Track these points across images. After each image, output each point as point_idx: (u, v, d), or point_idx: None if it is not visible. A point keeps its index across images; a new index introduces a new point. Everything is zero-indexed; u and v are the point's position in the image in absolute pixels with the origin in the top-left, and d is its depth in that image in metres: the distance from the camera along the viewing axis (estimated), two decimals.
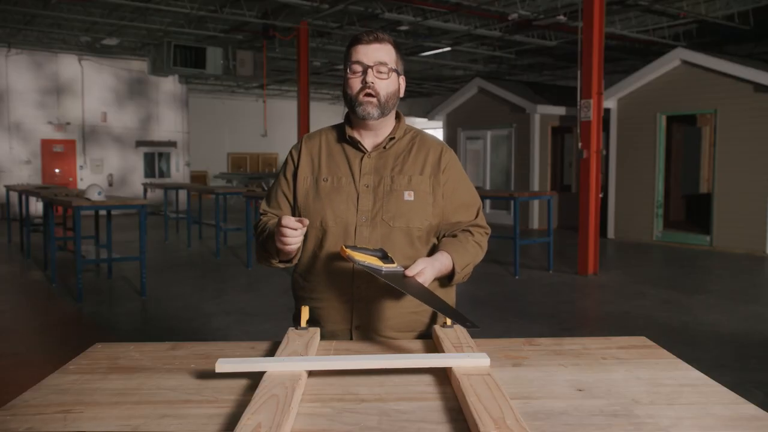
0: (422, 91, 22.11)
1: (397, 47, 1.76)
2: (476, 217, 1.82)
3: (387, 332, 1.71)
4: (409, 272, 1.55)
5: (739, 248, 9.63)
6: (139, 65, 16.61)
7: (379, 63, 1.68)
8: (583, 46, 7.73)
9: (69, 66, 15.97)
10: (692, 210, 12.32)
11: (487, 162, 14.04)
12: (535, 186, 12.87)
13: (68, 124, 16.00)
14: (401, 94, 1.79)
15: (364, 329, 1.71)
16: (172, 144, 17.63)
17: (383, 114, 1.71)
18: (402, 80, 1.78)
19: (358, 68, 1.69)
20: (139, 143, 17.12)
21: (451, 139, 14.82)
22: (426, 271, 1.57)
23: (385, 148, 1.76)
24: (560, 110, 12.94)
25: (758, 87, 9.30)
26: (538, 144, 12.87)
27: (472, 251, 1.73)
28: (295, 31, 12.27)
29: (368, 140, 1.77)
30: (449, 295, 1.81)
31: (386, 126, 1.77)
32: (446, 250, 1.67)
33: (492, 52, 14.96)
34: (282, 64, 16.84)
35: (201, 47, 13.49)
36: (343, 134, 1.78)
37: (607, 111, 11.14)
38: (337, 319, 1.72)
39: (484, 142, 14.06)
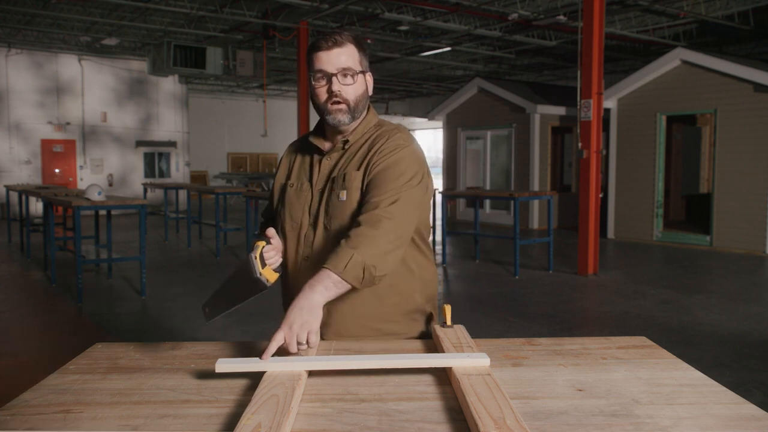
0: (422, 91, 22.11)
1: (360, 44, 1.68)
2: (377, 207, 1.55)
3: (330, 336, 1.67)
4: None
5: (739, 248, 9.63)
6: (139, 65, 16.61)
7: (342, 69, 1.63)
8: (583, 46, 7.73)
9: (69, 66, 15.97)
10: (692, 210, 12.32)
11: (487, 162, 14.04)
12: (535, 186, 12.87)
13: (68, 124, 16.01)
14: (370, 92, 1.73)
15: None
16: (172, 144, 17.63)
17: (354, 118, 1.68)
18: (369, 77, 1.72)
19: (323, 77, 1.64)
20: (139, 143, 17.12)
21: (451, 139, 14.83)
22: (292, 314, 1.39)
23: (344, 148, 1.72)
24: (560, 110, 12.94)
25: (758, 87, 9.30)
26: (538, 144, 12.87)
27: (351, 246, 1.47)
28: (295, 31, 12.27)
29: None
30: (409, 298, 1.72)
31: (357, 123, 1.73)
32: (323, 266, 1.49)
33: (492, 52, 14.96)
34: (282, 64, 16.85)
35: (201, 47, 13.49)
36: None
37: (607, 111, 11.14)
38: None
39: (484, 142, 14.06)
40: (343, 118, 1.65)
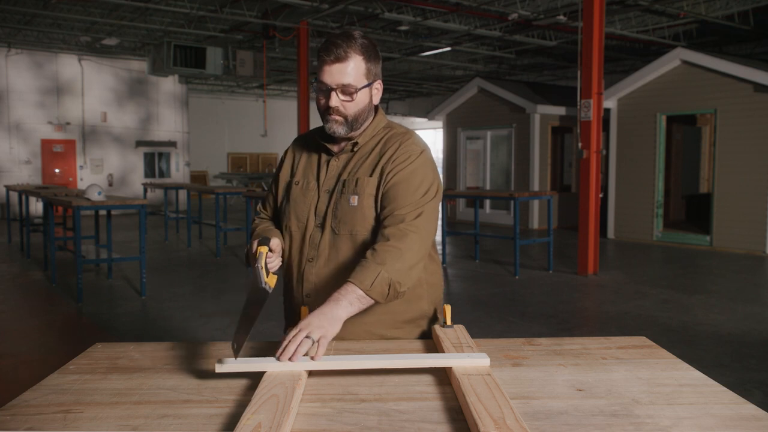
0: (422, 91, 22.10)
1: (369, 52, 1.62)
2: (403, 221, 1.57)
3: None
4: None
5: (739, 248, 9.62)
6: (139, 65, 16.60)
7: (342, 85, 1.59)
8: (583, 46, 7.73)
9: (69, 66, 15.97)
10: (692, 210, 12.32)
11: (487, 162, 14.04)
12: (535, 186, 12.87)
13: (68, 124, 16.00)
14: (376, 101, 1.70)
15: None
16: (172, 144, 17.63)
17: (352, 130, 1.65)
18: (376, 85, 1.67)
19: (323, 89, 1.61)
20: (139, 143, 17.12)
21: (451, 139, 14.82)
22: (310, 323, 1.40)
23: (353, 150, 1.70)
24: (560, 110, 12.94)
25: (758, 87, 9.30)
26: (538, 144, 12.87)
27: (378, 262, 1.50)
28: (295, 31, 12.27)
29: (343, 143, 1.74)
30: (416, 305, 1.72)
31: (362, 129, 1.71)
32: (348, 280, 1.51)
33: (492, 52, 14.96)
34: (282, 64, 16.85)
35: (201, 47, 13.48)
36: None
37: (607, 111, 11.14)
38: (295, 322, 1.71)
39: (484, 142, 14.06)
40: (339, 129, 1.64)
